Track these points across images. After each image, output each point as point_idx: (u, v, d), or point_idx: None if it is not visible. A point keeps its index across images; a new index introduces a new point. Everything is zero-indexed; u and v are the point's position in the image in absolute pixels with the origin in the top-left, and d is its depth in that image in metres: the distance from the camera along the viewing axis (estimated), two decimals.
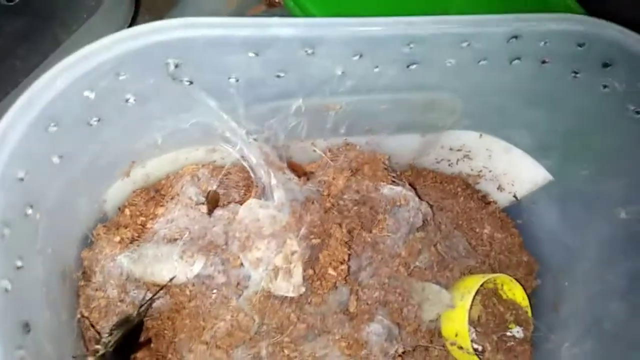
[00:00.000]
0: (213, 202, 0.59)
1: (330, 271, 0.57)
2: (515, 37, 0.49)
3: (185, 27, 0.40)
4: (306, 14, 0.75)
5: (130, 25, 0.84)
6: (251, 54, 0.44)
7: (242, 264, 0.54)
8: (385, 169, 0.64)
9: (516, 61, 0.53)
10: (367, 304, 0.60)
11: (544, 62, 0.53)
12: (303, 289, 0.55)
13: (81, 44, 0.77)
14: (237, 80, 0.47)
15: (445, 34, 0.47)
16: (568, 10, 0.86)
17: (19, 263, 0.38)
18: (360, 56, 0.47)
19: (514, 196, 0.74)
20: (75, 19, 0.77)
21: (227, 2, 0.83)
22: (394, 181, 0.64)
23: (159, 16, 1.01)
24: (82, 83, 0.38)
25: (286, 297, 0.55)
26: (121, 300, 0.53)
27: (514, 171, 0.71)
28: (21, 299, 0.38)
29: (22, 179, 0.37)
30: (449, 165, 0.75)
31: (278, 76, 0.48)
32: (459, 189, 0.76)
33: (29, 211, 0.39)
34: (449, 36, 0.47)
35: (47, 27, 0.76)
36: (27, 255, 0.40)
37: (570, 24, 0.50)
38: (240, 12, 0.83)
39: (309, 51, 0.45)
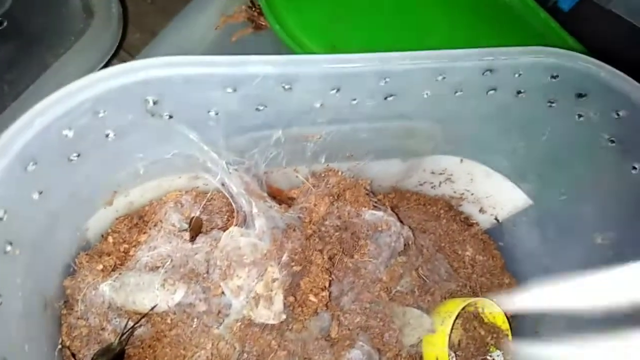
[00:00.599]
0: (196, 229, 0.59)
1: (312, 298, 0.58)
2: (490, 70, 0.51)
3: (162, 67, 0.41)
4: (292, 37, 0.76)
5: (120, 45, 0.85)
6: (229, 90, 0.45)
7: (223, 293, 0.55)
8: (367, 194, 0.64)
9: (492, 92, 0.54)
10: (349, 329, 0.60)
11: (519, 92, 0.54)
12: (284, 316, 0.56)
13: (69, 66, 0.79)
14: (217, 114, 0.48)
15: (420, 69, 0.48)
16: (567, 47, 0.87)
17: None
18: (338, 90, 0.48)
19: (496, 219, 0.75)
20: (62, 42, 0.78)
21: (215, 24, 0.84)
22: (375, 206, 0.64)
23: (149, 34, 1.02)
24: (60, 123, 0.39)
25: (267, 324, 0.56)
26: (103, 329, 0.53)
27: (495, 194, 0.72)
28: None
29: (0, 219, 0.38)
30: (432, 187, 0.76)
31: (257, 109, 0.49)
32: (442, 211, 0.77)
33: (8, 248, 0.40)
34: (423, 71, 0.48)
35: (35, 50, 0.77)
36: (6, 291, 0.40)
37: (543, 56, 0.51)
38: (227, 35, 0.84)
39: (287, 87, 0.46)
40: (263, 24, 0.83)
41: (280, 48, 0.77)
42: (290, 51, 0.75)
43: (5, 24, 0.78)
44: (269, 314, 0.55)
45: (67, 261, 0.53)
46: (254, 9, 0.84)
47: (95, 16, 0.82)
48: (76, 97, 0.39)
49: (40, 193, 0.42)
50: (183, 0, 0.91)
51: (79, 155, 0.44)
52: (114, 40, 0.83)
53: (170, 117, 0.46)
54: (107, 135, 0.45)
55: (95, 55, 0.80)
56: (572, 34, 0.91)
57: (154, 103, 0.43)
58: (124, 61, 0.98)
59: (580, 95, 0.54)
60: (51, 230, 0.47)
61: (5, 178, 0.37)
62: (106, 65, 0.81)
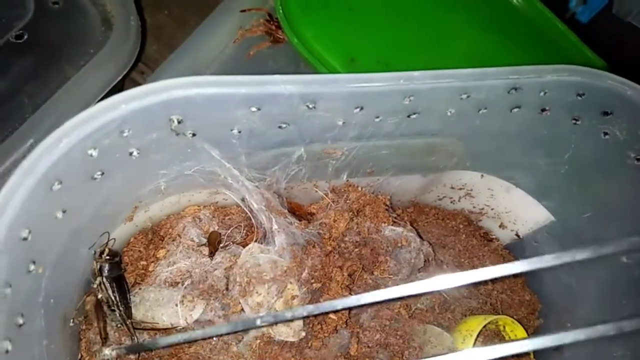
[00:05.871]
0: (213, 242, 0.59)
1: (331, 315, 0.57)
2: (515, 88, 0.50)
3: (188, 86, 0.40)
4: (310, 50, 0.76)
5: (138, 57, 0.86)
6: (253, 109, 0.44)
7: (242, 309, 0.54)
8: (387, 209, 0.64)
9: (516, 109, 0.53)
10: (368, 346, 0.60)
11: (543, 110, 0.54)
12: (303, 334, 0.55)
13: (88, 78, 0.79)
14: (240, 132, 0.48)
15: (445, 87, 0.47)
16: (585, 60, 0.86)
17: (21, 320, 0.38)
18: (361, 109, 0.48)
19: (516, 234, 0.74)
20: (82, 54, 0.79)
21: (233, 38, 0.84)
22: (395, 222, 0.64)
23: (166, 46, 1.03)
24: (86, 143, 0.39)
25: (286, 341, 0.55)
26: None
27: (516, 210, 0.71)
28: (21, 357, 0.38)
29: (25, 239, 0.37)
30: (451, 202, 0.75)
31: (280, 127, 0.48)
32: (461, 226, 0.76)
33: (32, 267, 0.40)
34: (448, 89, 0.48)
35: (55, 63, 0.77)
36: (29, 310, 0.40)
37: (569, 75, 0.50)
38: (245, 48, 0.84)
39: (310, 106, 0.45)
40: (281, 37, 0.83)
41: (299, 61, 0.77)
42: (308, 64, 0.75)
43: (25, 36, 0.79)
44: (289, 331, 0.55)
45: (87, 277, 0.53)
46: (271, 22, 0.83)
47: (114, 28, 0.83)
48: (102, 117, 0.39)
49: (64, 212, 0.42)
50: (200, 12, 0.91)
51: (102, 174, 0.44)
52: (132, 52, 0.83)
53: (194, 134, 0.46)
54: (131, 154, 0.44)
55: (114, 67, 0.80)
56: (590, 46, 0.90)
57: (179, 122, 0.43)
58: (143, 72, 0.99)
59: (606, 113, 0.53)
60: (74, 248, 0.47)
61: (31, 198, 0.37)
62: (125, 77, 0.82)
